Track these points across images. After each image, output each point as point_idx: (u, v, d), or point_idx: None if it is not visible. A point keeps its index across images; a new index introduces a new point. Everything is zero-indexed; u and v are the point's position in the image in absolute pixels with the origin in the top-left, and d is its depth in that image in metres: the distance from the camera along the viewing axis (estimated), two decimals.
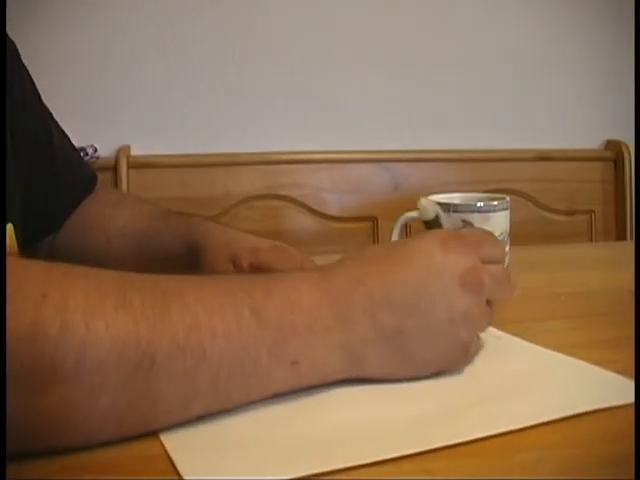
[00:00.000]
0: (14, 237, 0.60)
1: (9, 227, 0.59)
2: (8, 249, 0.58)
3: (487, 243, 0.49)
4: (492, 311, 0.48)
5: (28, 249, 0.66)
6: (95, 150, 1.40)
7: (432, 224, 0.65)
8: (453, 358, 0.46)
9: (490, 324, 0.49)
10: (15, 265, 0.35)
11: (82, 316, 0.34)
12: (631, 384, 0.43)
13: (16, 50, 0.70)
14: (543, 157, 1.60)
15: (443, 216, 0.66)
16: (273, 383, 0.41)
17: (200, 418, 0.39)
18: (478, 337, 0.48)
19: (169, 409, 0.37)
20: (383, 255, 0.46)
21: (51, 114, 0.76)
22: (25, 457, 0.34)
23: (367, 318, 0.43)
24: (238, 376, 0.39)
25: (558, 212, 1.61)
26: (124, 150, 1.42)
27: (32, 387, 0.33)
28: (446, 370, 0.46)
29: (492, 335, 0.54)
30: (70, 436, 0.35)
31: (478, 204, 0.68)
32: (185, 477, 0.33)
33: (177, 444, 0.36)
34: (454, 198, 0.72)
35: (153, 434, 0.37)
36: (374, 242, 1.50)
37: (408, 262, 0.45)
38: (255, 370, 0.39)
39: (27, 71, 0.73)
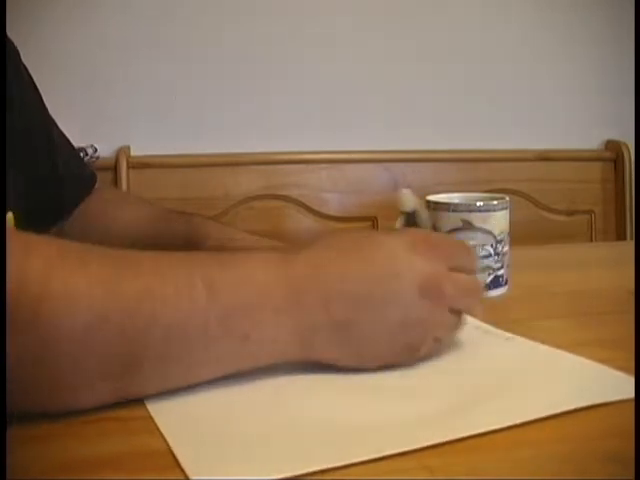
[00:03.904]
0: (14, 226, 0.61)
1: (9, 216, 0.60)
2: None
3: (459, 251, 0.48)
4: (458, 319, 0.47)
5: None
6: (95, 150, 1.40)
7: (410, 218, 0.65)
8: (399, 358, 0.46)
9: (456, 331, 0.49)
10: None
11: (41, 274, 0.36)
12: (631, 380, 0.43)
13: (16, 50, 0.70)
14: (543, 157, 1.60)
15: (423, 211, 0.67)
16: (223, 355, 0.41)
17: (203, 413, 0.39)
18: (438, 341, 0.47)
19: (121, 366, 0.39)
20: (349, 246, 0.46)
21: (49, 115, 0.77)
22: (25, 457, 0.34)
23: (319, 306, 0.43)
24: (186, 343, 0.40)
25: (558, 212, 1.61)
26: (124, 150, 1.42)
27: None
28: (391, 365, 0.46)
29: (502, 337, 0.54)
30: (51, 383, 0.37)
31: (478, 204, 0.68)
32: (192, 477, 0.33)
33: (181, 441, 0.36)
34: (454, 198, 0.72)
35: (153, 432, 0.37)
36: None
37: (371, 256, 0.45)
38: (204, 340, 0.40)
39: (27, 71, 0.73)
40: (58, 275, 0.37)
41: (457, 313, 0.47)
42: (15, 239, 0.38)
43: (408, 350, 0.46)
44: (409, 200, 0.66)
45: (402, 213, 0.67)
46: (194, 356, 0.40)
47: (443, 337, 0.48)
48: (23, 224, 0.63)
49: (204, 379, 0.42)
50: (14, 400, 0.36)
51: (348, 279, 0.44)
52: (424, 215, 0.67)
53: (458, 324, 0.48)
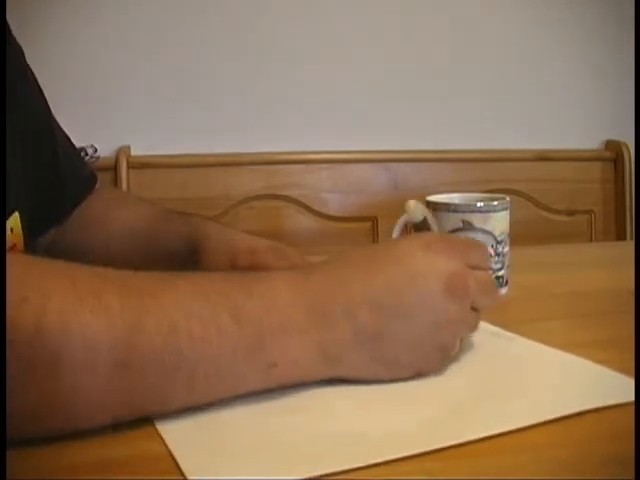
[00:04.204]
0: (20, 225, 0.61)
1: (15, 216, 0.60)
2: (15, 237, 0.59)
3: (474, 248, 0.48)
4: (478, 317, 0.47)
5: (30, 243, 0.66)
6: (95, 150, 1.40)
7: (420, 226, 0.65)
8: (432, 361, 0.45)
9: (475, 330, 0.48)
10: None
11: (59, 319, 0.35)
12: (631, 382, 0.43)
13: (21, 50, 0.71)
14: (543, 157, 1.60)
15: (431, 219, 0.66)
16: (248, 384, 0.41)
17: (203, 415, 0.39)
18: (461, 340, 0.47)
19: (145, 407, 0.38)
20: (366, 257, 0.46)
21: (53, 115, 0.77)
22: (25, 456, 0.34)
23: (345, 319, 0.42)
24: (214, 377, 0.39)
25: (558, 212, 1.61)
26: (124, 150, 1.42)
27: (13, 382, 0.34)
28: (424, 373, 0.45)
29: (503, 337, 0.54)
30: (54, 428, 0.36)
31: (478, 204, 0.68)
32: (189, 477, 0.33)
33: (180, 443, 0.36)
34: (454, 198, 0.71)
35: (154, 435, 0.37)
36: (374, 242, 1.50)
37: (391, 264, 0.44)
38: (231, 372, 0.40)
39: (32, 71, 0.73)
40: (76, 321, 0.35)
41: (477, 311, 0.46)
42: (21, 277, 0.36)
43: (440, 352, 0.45)
44: (418, 210, 0.65)
45: (413, 224, 0.66)
46: (220, 384, 0.40)
47: (465, 337, 0.48)
48: (25, 223, 0.63)
49: (226, 398, 0.41)
50: (23, 430, 0.35)
51: (373, 289, 0.43)
52: (433, 222, 0.66)
53: (477, 322, 0.48)
